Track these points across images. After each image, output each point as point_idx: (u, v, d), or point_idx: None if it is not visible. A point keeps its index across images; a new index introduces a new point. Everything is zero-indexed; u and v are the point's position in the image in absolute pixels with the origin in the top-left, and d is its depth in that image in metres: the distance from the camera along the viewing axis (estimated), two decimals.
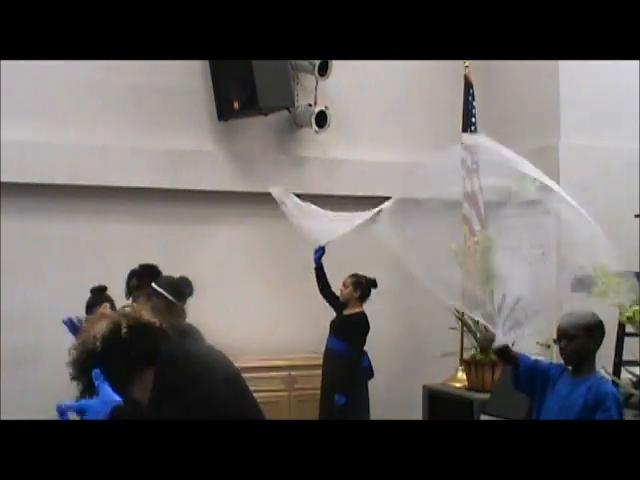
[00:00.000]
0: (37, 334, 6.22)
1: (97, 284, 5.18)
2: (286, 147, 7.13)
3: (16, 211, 6.24)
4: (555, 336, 3.76)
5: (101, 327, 2.25)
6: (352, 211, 6.12)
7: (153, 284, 3.56)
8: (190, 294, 3.65)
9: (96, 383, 2.03)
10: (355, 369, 6.04)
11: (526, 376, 3.78)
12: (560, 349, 3.69)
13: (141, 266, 4.38)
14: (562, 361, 3.77)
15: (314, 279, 6.33)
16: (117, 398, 2.00)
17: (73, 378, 2.24)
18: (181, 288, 3.61)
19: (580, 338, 3.61)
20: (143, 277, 4.12)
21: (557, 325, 3.72)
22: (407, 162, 7.29)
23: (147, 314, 2.37)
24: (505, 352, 3.80)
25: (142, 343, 2.25)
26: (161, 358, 2.27)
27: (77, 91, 6.46)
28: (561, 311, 3.82)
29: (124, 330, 2.24)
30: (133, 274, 4.42)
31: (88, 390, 2.15)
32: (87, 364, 2.16)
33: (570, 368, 3.71)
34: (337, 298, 6.29)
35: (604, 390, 3.55)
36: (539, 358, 4.09)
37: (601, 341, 3.69)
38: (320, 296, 6.35)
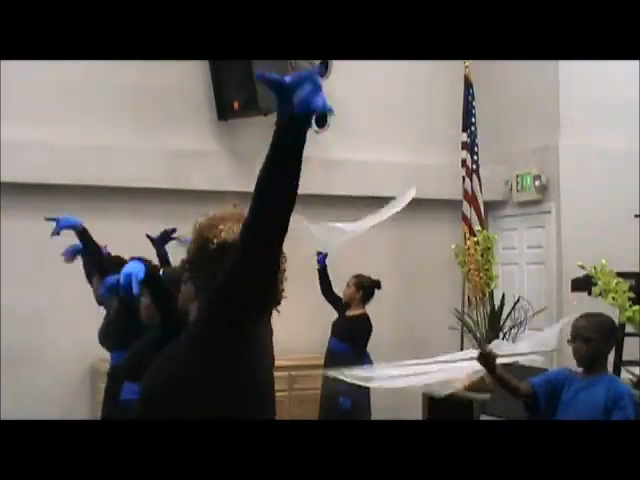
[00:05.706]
0: (37, 334, 6.21)
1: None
2: None
3: (16, 211, 6.24)
4: (569, 337, 3.70)
5: (230, 230, 1.99)
6: (352, 211, 6.10)
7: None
8: None
9: None
10: None
11: (545, 398, 3.64)
12: (574, 349, 3.63)
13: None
14: (568, 364, 3.76)
15: (315, 279, 6.31)
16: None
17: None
18: None
19: (595, 341, 3.57)
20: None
21: (573, 325, 3.66)
22: (407, 162, 7.32)
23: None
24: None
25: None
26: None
27: (77, 91, 6.46)
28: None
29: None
30: None
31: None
32: (200, 250, 1.94)
33: (580, 370, 3.69)
34: (340, 299, 6.28)
35: (620, 389, 3.54)
36: (542, 368, 4.05)
37: (614, 344, 3.70)
38: (322, 297, 6.33)
